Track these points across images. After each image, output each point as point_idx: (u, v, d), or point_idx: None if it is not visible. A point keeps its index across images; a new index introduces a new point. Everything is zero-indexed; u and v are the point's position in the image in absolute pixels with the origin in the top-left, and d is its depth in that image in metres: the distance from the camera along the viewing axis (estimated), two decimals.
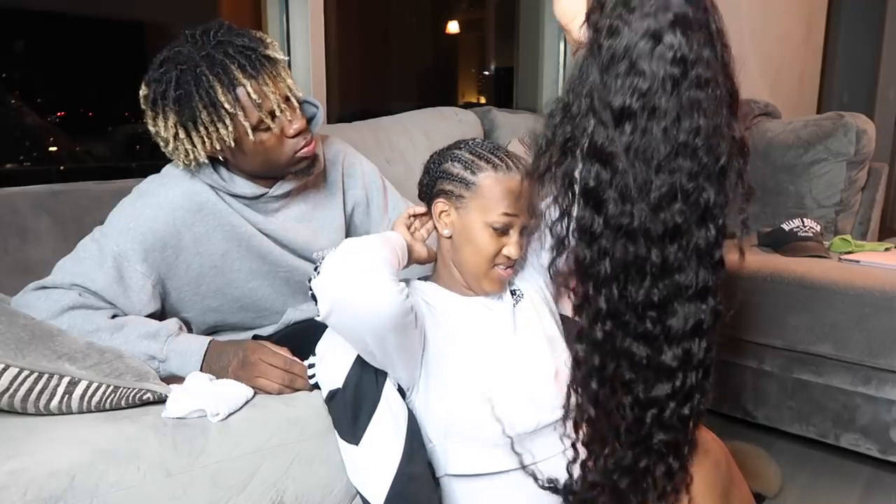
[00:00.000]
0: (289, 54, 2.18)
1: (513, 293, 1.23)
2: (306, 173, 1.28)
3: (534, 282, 1.25)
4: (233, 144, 1.17)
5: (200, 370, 1.17)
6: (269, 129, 1.18)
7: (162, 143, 1.20)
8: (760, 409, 2.10)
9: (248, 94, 1.14)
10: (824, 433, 1.98)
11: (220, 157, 1.23)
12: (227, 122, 1.14)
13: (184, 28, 1.20)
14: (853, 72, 5.65)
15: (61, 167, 2.20)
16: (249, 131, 1.15)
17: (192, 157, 1.18)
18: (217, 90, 1.12)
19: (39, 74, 2.03)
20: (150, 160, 1.96)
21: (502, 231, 1.13)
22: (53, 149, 2.18)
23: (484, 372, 1.13)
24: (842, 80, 5.71)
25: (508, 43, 3.65)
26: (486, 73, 4.10)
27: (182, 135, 1.17)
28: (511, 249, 1.13)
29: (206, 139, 1.16)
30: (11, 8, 1.92)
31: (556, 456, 1.11)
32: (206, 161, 1.21)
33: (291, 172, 1.26)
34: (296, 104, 1.21)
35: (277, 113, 1.17)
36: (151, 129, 1.20)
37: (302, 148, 1.22)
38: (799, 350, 1.98)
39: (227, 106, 1.13)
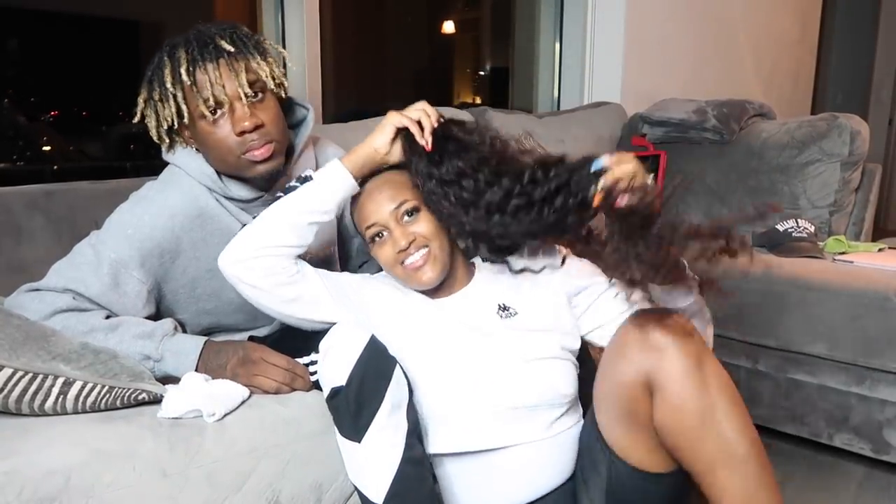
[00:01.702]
0: None
1: (505, 307, 1.22)
2: (258, 181, 1.22)
3: (546, 306, 1.24)
4: (176, 125, 1.19)
5: (196, 370, 1.17)
6: (217, 118, 1.16)
7: (137, 118, 1.24)
8: (754, 408, 2.10)
9: (188, 78, 1.14)
10: (818, 433, 1.99)
11: (196, 149, 1.25)
12: (171, 102, 1.16)
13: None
14: (847, 72, 5.67)
15: (55, 167, 2.19)
16: (187, 116, 1.17)
17: (153, 133, 1.22)
18: (165, 70, 1.15)
19: (33, 73, 2.02)
20: (143, 159, 1.95)
21: (380, 237, 1.19)
22: (47, 148, 2.17)
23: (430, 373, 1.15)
24: (836, 81, 5.74)
25: (504, 43, 3.65)
26: (482, 73, 4.11)
27: (146, 111, 1.21)
28: (398, 243, 1.16)
29: (158, 117, 1.19)
30: (5, 7, 1.91)
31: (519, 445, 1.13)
32: (167, 140, 1.24)
33: (246, 177, 1.22)
34: (245, 100, 1.17)
35: (218, 101, 1.15)
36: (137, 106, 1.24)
37: (251, 150, 1.17)
38: (793, 350, 1.99)
39: (167, 85, 1.14)
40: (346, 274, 1.26)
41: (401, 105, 1.21)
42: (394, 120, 1.17)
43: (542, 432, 1.14)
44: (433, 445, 1.14)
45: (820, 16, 4.79)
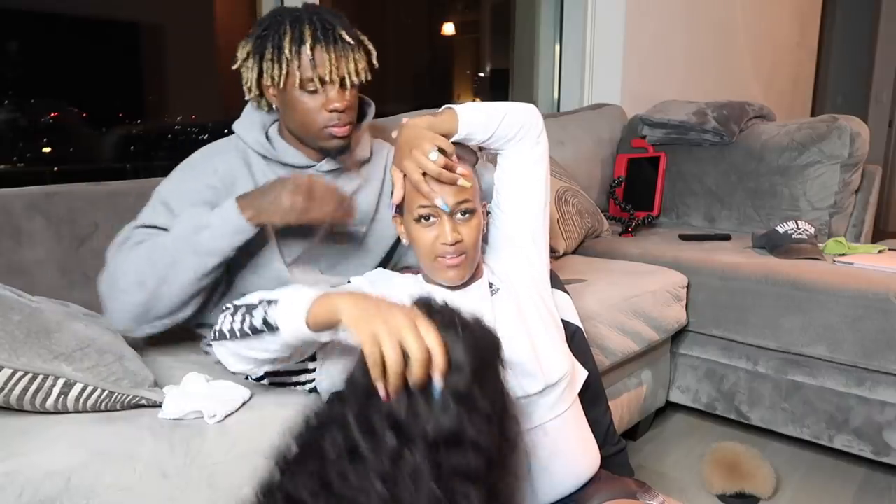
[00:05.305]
0: None
1: (490, 285, 1.25)
2: (331, 152, 1.40)
3: (514, 278, 1.28)
4: (281, 85, 1.31)
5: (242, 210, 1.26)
6: (315, 91, 1.31)
7: (237, 64, 1.38)
8: (755, 410, 2.10)
9: (309, 53, 1.28)
10: (818, 434, 1.99)
11: (273, 105, 1.38)
12: (283, 66, 1.30)
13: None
14: (847, 74, 5.68)
15: (55, 168, 2.19)
16: (297, 83, 1.30)
17: (248, 83, 1.36)
18: (286, 38, 1.29)
19: (34, 75, 2.02)
20: (143, 161, 1.95)
21: (427, 220, 1.17)
22: (47, 150, 2.17)
23: None
24: (836, 83, 5.75)
25: (504, 45, 3.65)
26: (482, 74, 4.11)
27: (250, 62, 1.34)
28: (444, 235, 1.15)
29: (263, 72, 1.32)
30: (6, 8, 1.91)
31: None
32: (257, 94, 1.37)
33: (320, 146, 1.37)
34: (348, 87, 1.33)
35: (327, 80, 1.29)
36: (238, 54, 1.37)
37: (334, 126, 1.33)
38: (793, 352, 1.99)
39: (286, 52, 1.29)
40: (357, 278, 1.26)
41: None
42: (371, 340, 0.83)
43: (547, 413, 1.17)
44: None
45: (820, 18, 4.80)
